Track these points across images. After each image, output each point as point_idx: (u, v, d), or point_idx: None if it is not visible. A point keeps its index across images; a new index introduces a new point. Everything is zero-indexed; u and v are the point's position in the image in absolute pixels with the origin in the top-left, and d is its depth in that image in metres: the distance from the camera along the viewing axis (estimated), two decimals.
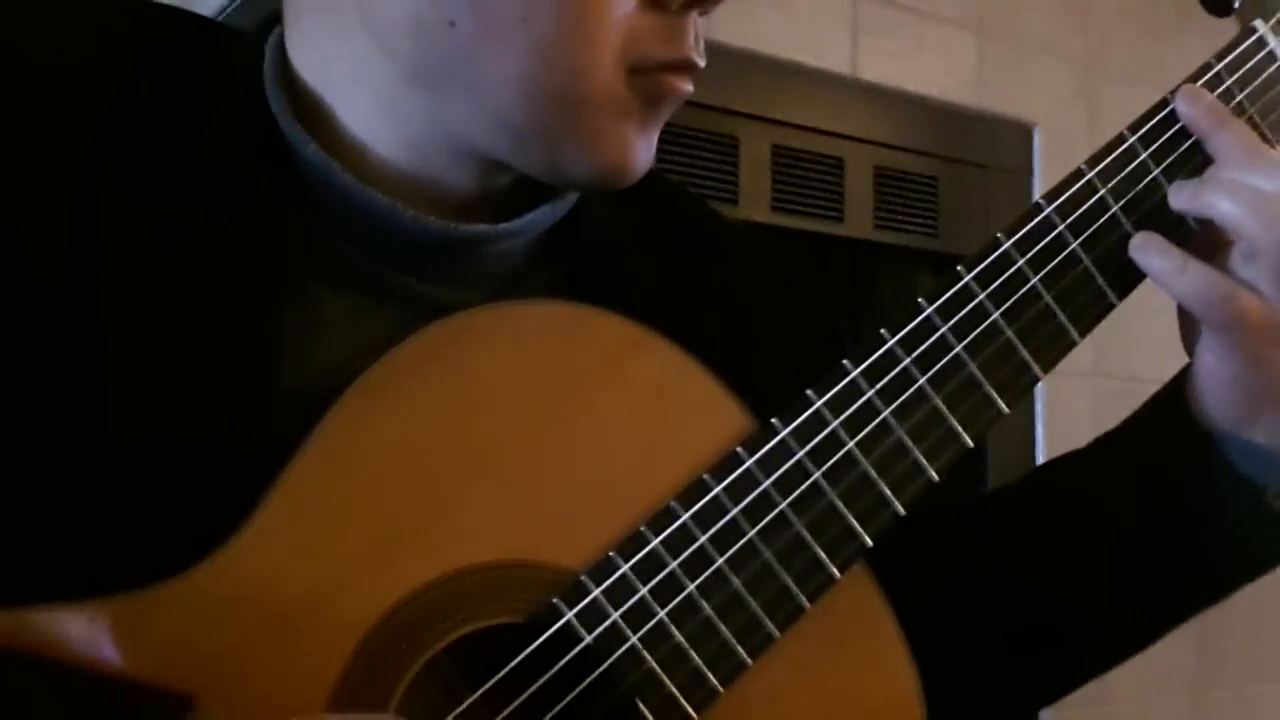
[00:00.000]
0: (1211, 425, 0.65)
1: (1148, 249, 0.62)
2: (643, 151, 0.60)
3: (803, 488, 0.57)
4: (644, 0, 0.56)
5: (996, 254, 0.60)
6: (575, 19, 0.55)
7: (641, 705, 0.55)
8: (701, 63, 0.59)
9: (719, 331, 0.60)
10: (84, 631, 0.48)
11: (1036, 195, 0.62)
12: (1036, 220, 0.61)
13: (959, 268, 0.60)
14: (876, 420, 0.58)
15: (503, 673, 0.54)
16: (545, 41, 0.55)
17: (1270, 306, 0.60)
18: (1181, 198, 0.62)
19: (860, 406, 0.58)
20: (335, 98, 0.59)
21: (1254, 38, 0.65)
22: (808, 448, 0.57)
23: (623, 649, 0.55)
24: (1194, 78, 0.64)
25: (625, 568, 0.55)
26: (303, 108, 0.59)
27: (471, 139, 0.59)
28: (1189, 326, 0.65)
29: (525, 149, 0.58)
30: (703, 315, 0.59)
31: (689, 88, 0.60)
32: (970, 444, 0.59)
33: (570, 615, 0.54)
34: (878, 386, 0.58)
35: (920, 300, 0.59)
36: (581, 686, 0.55)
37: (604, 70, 0.56)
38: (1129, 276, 0.62)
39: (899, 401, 0.58)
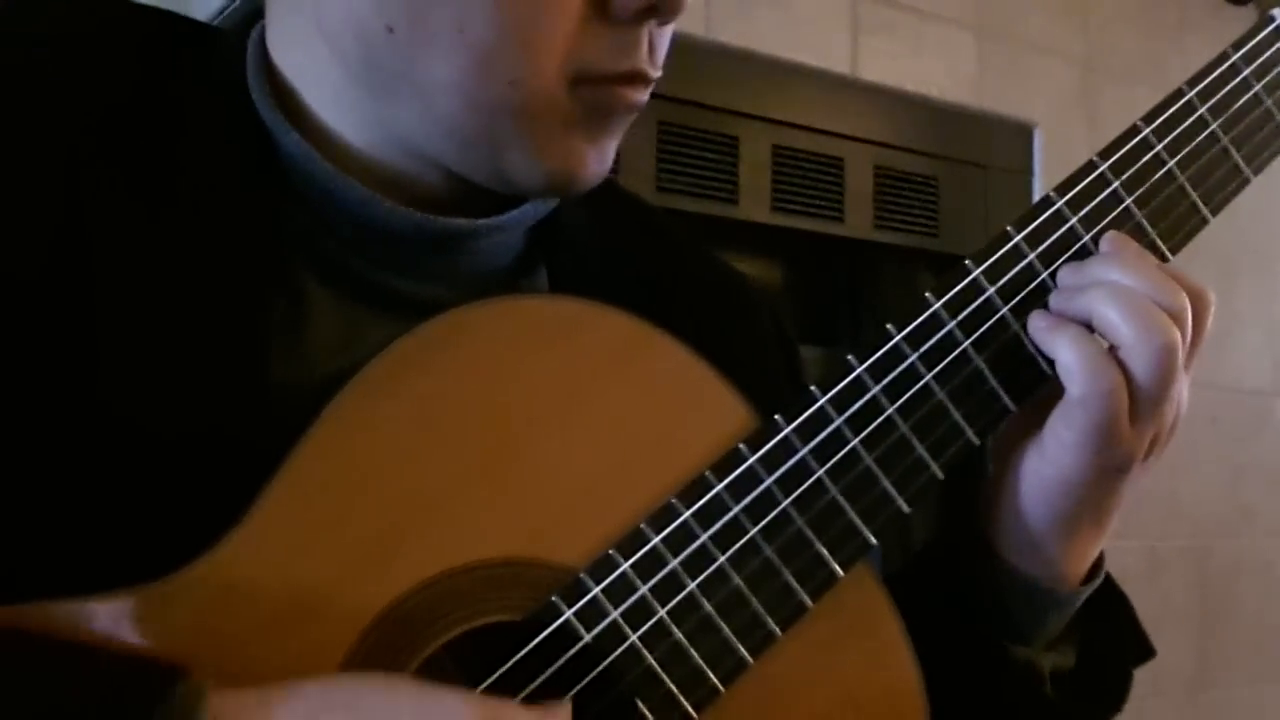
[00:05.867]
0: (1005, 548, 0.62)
1: (1046, 322, 0.59)
2: (593, 161, 0.59)
3: (805, 485, 0.57)
4: (593, 10, 0.55)
5: (1006, 248, 0.59)
6: (513, 29, 0.54)
7: (641, 704, 0.54)
8: (654, 74, 0.58)
9: (696, 337, 0.59)
10: (77, 626, 0.48)
11: (1037, 195, 0.61)
12: (1047, 214, 0.60)
13: (967, 261, 0.59)
14: (881, 417, 0.57)
15: (501, 671, 0.53)
16: (482, 51, 0.54)
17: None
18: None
19: (865, 403, 0.57)
20: (309, 93, 0.59)
21: (1272, 27, 0.64)
22: (811, 444, 0.57)
23: (622, 647, 0.54)
24: (1210, 67, 0.63)
25: (625, 566, 0.54)
26: (283, 100, 0.59)
27: (420, 144, 0.58)
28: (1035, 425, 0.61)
29: (471, 156, 0.58)
30: (682, 321, 0.58)
31: (641, 98, 0.58)
32: (976, 441, 0.59)
33: (569, 613, 0.54)
34: (883, 383, 0.58)
35: (927, 295, 0.59)
36: (581, 685, 0.54)
37: (545, 81, 0.55)
38: None
39: (904, 398, 0.58)
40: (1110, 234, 0.60)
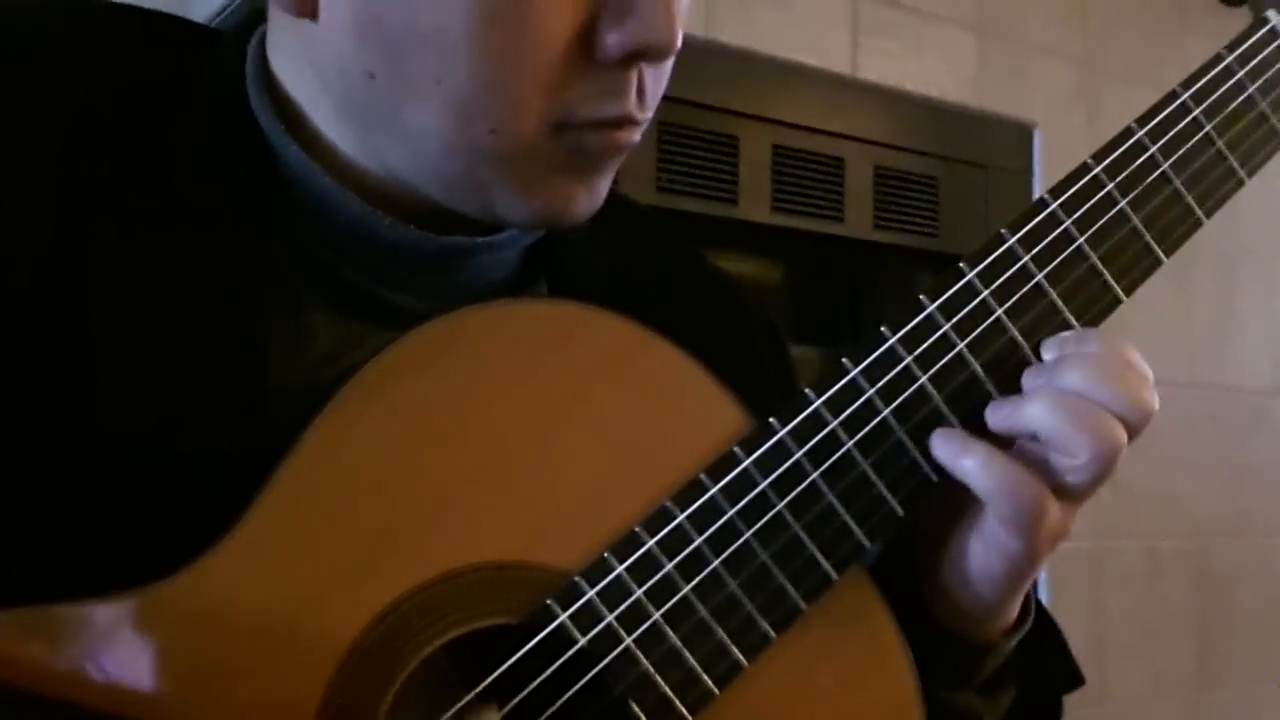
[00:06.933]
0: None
1: (951, 447, 0.57)
2: (583, 199, 0.58)
3: (800, 488, 0.56)
4: (577, 55, 0.54)
5: (1000, 250, 0.59)
6: (491, 81, 0.53)
7: (636, 707, 0.54)
8: (643, 117, 0.57)
9: (690, 342, 0.59)
10: (71, 633, 0.48)
11: (1036, 195, 0.60)
12: (1041, 216, 0.60)
13: (961, 264, 0.59)
14: (876, 420, 0.57)
15: (495, 674, 0.53)
16: (460, 102, 0.53)
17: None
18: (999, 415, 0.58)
19: (860, 406, 0.57)
20: (306, 107, 0.59)
21: (1266, 29, 0.64)
22: (806, 447, 0.57)
23: (617, 650, 0.54)
24: (1204, 69, 0.63)
25: (620, 569, 0.54)
26: (283, 110, 0.59)
27: (407, 180, 0.58)
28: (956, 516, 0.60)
29: (457, 196, 0.57)
30: (676, 326, 0.58)
31: (631, 139, 0.57)
32: None
33: (564, 617, 0.53)
34: (878, 385, 0.57)
35: (922, 297, 0.59)
36: (575, 689, 0.54)
37: (525, 128, 0.54)
38: (1134, 271, 0.61)
39: (900, 400, 0.58)
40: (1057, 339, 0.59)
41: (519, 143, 0.55)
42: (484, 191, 0.57)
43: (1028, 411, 0.56)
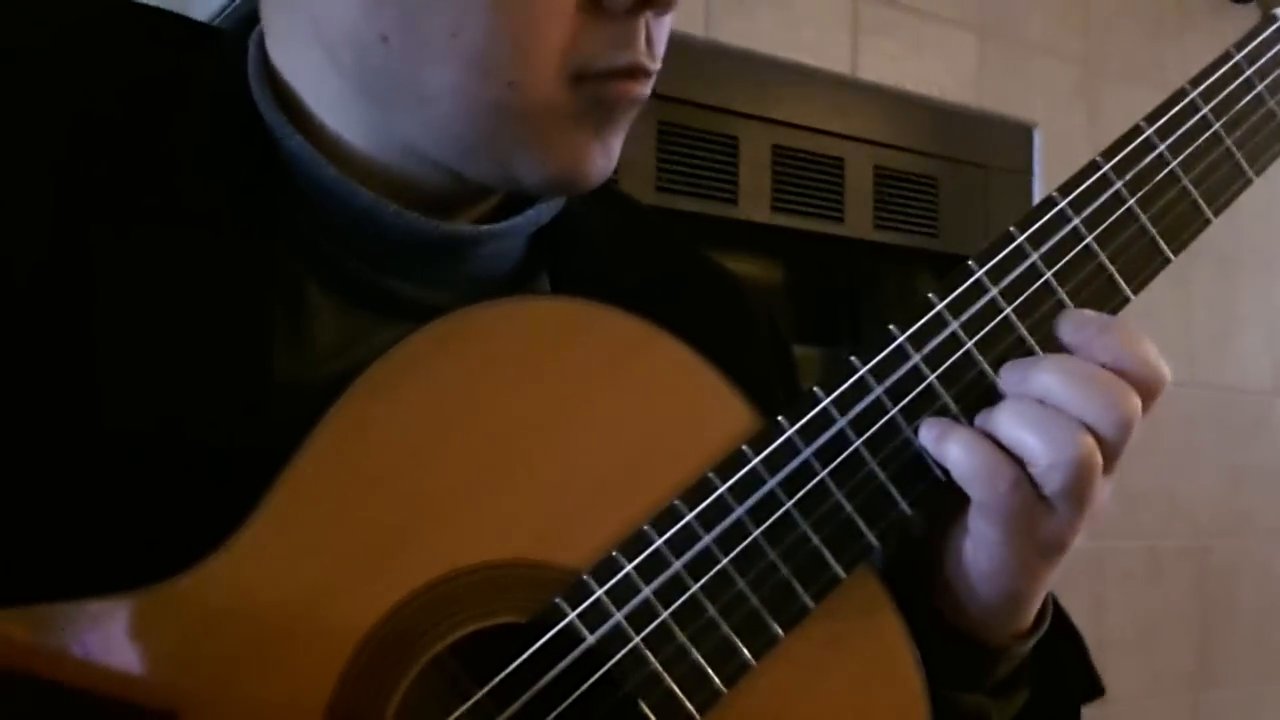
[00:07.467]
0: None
1: (934, 432, 0.57)
2: (598, 157, 0.58)
3: (809, 487, 0.56)
4: (587, 5, 0.55)
5: (1009, 249, 0.59)
6: (507, 31, 0.53)
7: (643, 705, 0.54)
8: (653, 66, 0.58)
9: (695, 340, 0.59)
10: (80, 630, 0.48)
11: (1036, 195, 0.60)
12: (1050, 215, 0.60)
13: (970, 262, 0.59)
14: (885, 418, 0.57)
15: (504, 673, 0.53)
16: (478, 55, 0.54)
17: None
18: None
19: (868, 404, 0.57)
20: (309, 95, 0.59)
21: (1275, 27, 0.64)
22: (814, 446, 0.57)
23: (626, 649, 0.54)
24: (1213, 67, 0.63)
25: (629, 568, 0.54)
26: (285, 102, 0.59)
27: (424, 150, 0.58)
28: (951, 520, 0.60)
29: (474, 160, 0.58)
30: (681, 324, 0.58)
31: (644, 91, 0.58)
32: None
33: (573, 616, 0.53)
34: (886, 384, 0.57)
35: (930, 295, 0.59)
36: (584, 688, 0.54)
37: (544, 81, 0.55)
38: (1142, 270, 0.61)
39: (907, 399, 0.58)
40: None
41: (538, 95, 0.55)
42: (501, 155, 0.57)
43: (994, 418, 0.57)
